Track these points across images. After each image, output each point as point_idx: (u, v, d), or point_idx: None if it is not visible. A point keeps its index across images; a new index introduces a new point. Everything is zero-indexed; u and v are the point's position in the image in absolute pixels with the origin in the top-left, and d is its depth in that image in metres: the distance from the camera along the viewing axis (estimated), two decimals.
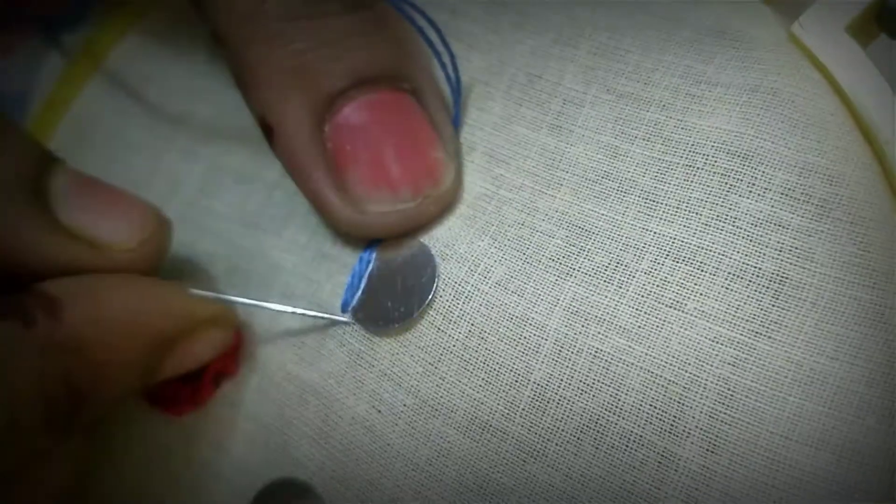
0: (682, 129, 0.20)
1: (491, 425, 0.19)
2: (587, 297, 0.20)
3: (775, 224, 0.18)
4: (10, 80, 0.32)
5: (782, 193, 0.19)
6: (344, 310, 0.22)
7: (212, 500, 0.22)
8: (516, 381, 0.20)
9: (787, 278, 0.18)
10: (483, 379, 0.20)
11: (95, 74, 0.32)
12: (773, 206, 0.19)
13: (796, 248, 0.18)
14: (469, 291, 0.21)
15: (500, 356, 0.20)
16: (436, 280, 0.21)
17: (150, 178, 0.29)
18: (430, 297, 0.21)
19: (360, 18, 0.21)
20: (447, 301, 0.21)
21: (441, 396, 0.20)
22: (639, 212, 0.20)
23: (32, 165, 0.20)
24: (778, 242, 0.18)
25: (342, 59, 0.20)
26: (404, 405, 0.20)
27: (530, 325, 0.20)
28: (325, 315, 0.22)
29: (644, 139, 0.21)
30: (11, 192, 0.19)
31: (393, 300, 0.21)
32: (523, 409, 0.19)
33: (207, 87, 0.29)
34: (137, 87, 0.31)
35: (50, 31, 0.32)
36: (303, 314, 0.22)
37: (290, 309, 0.22)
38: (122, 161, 0.30)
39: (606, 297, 0.20)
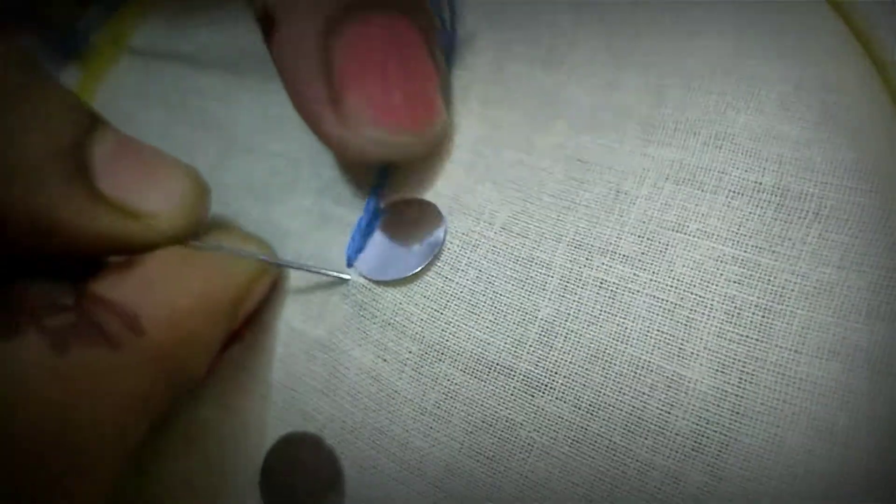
0: (677, 53, 0.20)
1: (498, 364, 0.19)
2: (589, 230, 0.19)
3: (774, 137, 0.18)
4: None
5: (779, 106, 0.18)
6: (349, 265, 0.21)
7: (224, 459, 0.22)
8: (523, 320, 0.19)
9: (788, 190, 0.18)
10: (490, 321, 0.20)
11: (115, 61, 0.32)
12: (770, 120, 0.18)
13: (796, 160, 0.18)
14: (476, 240, 0.21)
15: (508, 297, 0.20)
16: (444, 236, 0.21)
17: None
18: (438, 250, 0.21)
19: None
20: (454, 251, 0.21)
21: (447, 340, 0.20)
22: (636, 138, 0.20)
23: (75, 132, 0.19)
24: (777, 155, 0.18)
25: None
26: (409, 352, 0.20)
27: (536, 264, 0.20)
28: (328, 271, 0.22)
29: (638, 67, 0.20)
30: (53, 165, 0.18)
31: (399, 256, 0.21)
32: (530, 346, 0.19)
33: (218, 65, 0.29)
34: (153, 69, 0.31)
35: (73, 37, 0.32)
36: (306, 269, 0.22)
37: (292, 265, 0.22)
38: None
39: (608, 227, 0.19)
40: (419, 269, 0.20)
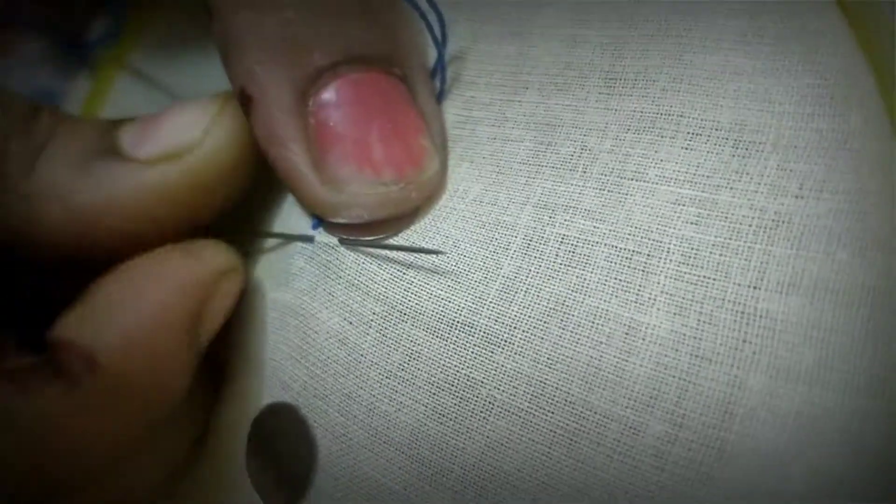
0: (636, 2, 0.19)
1: (458, 321, 0.19)
2: (554, 189, 0.19)
3: (731, 72, 0.17)
4: (12, 81, 0.34)
5: (735, 40, 0.17)
6: (314, 227, 0.22)
7: (221, 429, 0.23)
8: (485, 278, 0.19)
9: (745, 125, 0.17)
10: (452, 280, 0.19)
11: (119, 76, 0.34)
12: (727, 55, 0.18)
13: (753, 92, 0.17)
14: (446, 213, 0.20)
15: (470, 258, 0.19)
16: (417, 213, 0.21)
17: None
18: (409, 224, 0.21)
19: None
20: (425, 223, 0.21)
21: (409, 300, 0.20)
22: (599, 93, 0.19)
23: (101, 132, 0.20)
24: (734, 90, 0.17)
25: (334, 35, 0.19)
26: (373, 313, 0.20)
27: (501, 226, 0.19)
28: (292, 235, 0.22)
29: (600, 20, 0.20)
30: (87, 157, 0.20)
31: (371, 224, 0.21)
32: (490, 302, 0.19)
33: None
34: (157, 77, 0.32)
35: (82, 47, 0.34)
36: (270, 236, 0.22)
37: (259, 234, 0.22)
38: None
39: (572, 184, 0.19)
40: (388, 235, 0.20)
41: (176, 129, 0.20)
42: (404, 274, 0.20)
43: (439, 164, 0.20)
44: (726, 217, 0.16)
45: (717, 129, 0.17)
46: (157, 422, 0.20)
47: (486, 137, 0.21)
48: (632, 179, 0.18)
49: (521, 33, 0.21)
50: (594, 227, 0.18)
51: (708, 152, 0.17)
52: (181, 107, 0.21)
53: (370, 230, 0.21)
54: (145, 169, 0.20)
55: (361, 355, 0.20)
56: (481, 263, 0.19)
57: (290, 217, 0.23)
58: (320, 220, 0.21)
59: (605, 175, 0.18)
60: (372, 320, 0.20)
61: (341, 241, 0.21)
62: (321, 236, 0.21)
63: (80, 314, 0.19)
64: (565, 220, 0.18)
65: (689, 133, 0.18)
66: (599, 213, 0.18)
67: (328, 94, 0.19)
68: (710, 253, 0.16)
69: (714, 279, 0.16)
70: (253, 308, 0.23)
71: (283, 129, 0.20)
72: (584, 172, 0.19)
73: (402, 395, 0.19)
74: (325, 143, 0.19)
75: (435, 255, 0.20)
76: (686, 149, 0.17)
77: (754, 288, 0.16)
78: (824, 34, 0.17)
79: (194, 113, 0.20)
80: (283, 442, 0.21)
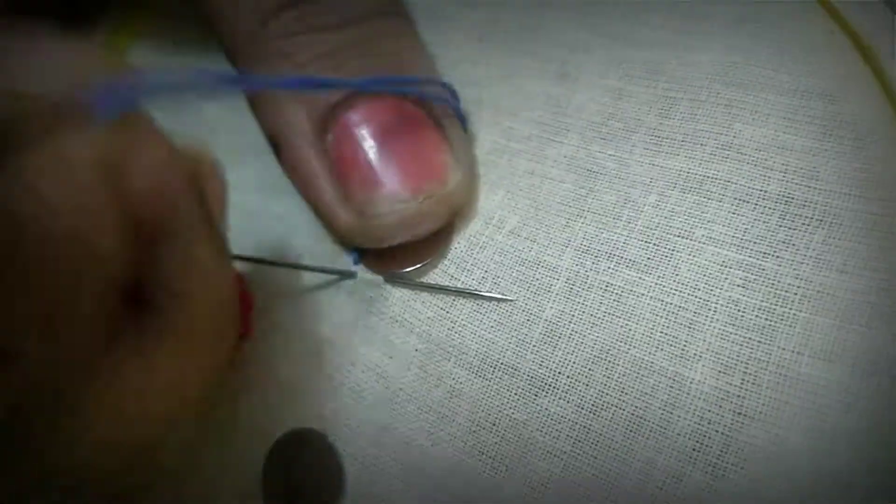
0: (683, 65, 0.20)
1: (502, 363, 0.19)
2: (597, 235, 0.20)
3: (779, 147, 0.19)
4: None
5: (785, 117, 0.19)
6: (356, 263, 0.22)
7: (229, 455, 0.22)
8: (528, 320, 0.20)
9: (792, 198, 0.18)
10: (495, 320, 0.20)
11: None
12: (776, 131, 0.19)
13: (801, 169, 0.18)
14: (483, 242, 0.21)
15: (514, 299, 0.20)
16: (451, 229, 0.21)
17: None
18: (444, 245, 0.21)
19: (357, 32, 0.21)
20: (461, 251, 0.21)
21: (452, 339, 0.20)
22: (645, 149, 0.20)
23: None
24: (783, 164, 0.18)
25: (342, 69, 0.20)
26: (416, 350, 0.20)
27: (542, 266, 0.20)
28: (333, 268, 0.22)
29: (646, 79, 0.21)
30: None
31: (406, 248, 0.21)
32: (534, 346, 0.19)
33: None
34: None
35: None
36: (312, 269, 0.22)
37: (299, 266, 0.22)
38: None
39: (616, 233, 0.20)
40: (427, 261, 0.21)
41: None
42: (448, 313, 0.20)
43: (462, 177, 0.21)
44: (773, 284, 0.18)
45: (764, 199, 0.18)
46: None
47: (524, 171, 0.22)
48: (678, 236, 0.19)
49: (565, 75, 0.22)
50: (640, 278, 0.19)
51: (755, 219, 0.18)
52: None
53: (405, 259, 0.21)
54: None
55: (400, 389, 0.20)
56: (523, 304, 0.20)
57: (333, 255, 0.23)
58: (360, 255, 0.22)
59: (651, 229, 0.19)
60: (414, 357, 0.20)
61: (387, 280, 0.21)
62: (364, 273, 0.22)
63: None
64: (609, 269, 0.19)
65: (736, 199, 0.19)
66: (645, 265, 0.19)
67: (342, 127, 0.20)
68: (756, 316, 0.17)
69: (759, 342, 0.17)
70: (277, 328, 0.23)
71: (307, 168, 0.21)
72: (629, 223, 0.20)
73: (441, 430, 0.20)
74: (344, 172, 0.20)
75: (481, 290, 0.20)
76: (733, 213, 0.18)
77: (798, 353, 0.17)
78: (872, 122, 0.18)
79: None
80: (307, 468, 0.21)
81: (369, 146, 0.20)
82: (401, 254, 0.21)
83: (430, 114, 0.21)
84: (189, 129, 0.29)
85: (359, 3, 0.21)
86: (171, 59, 0.32)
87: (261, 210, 0.26)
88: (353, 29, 0.20)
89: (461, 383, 0.20)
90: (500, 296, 0.20)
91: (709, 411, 0.17)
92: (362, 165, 0.20)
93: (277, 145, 0.21)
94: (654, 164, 0.20)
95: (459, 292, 0.21)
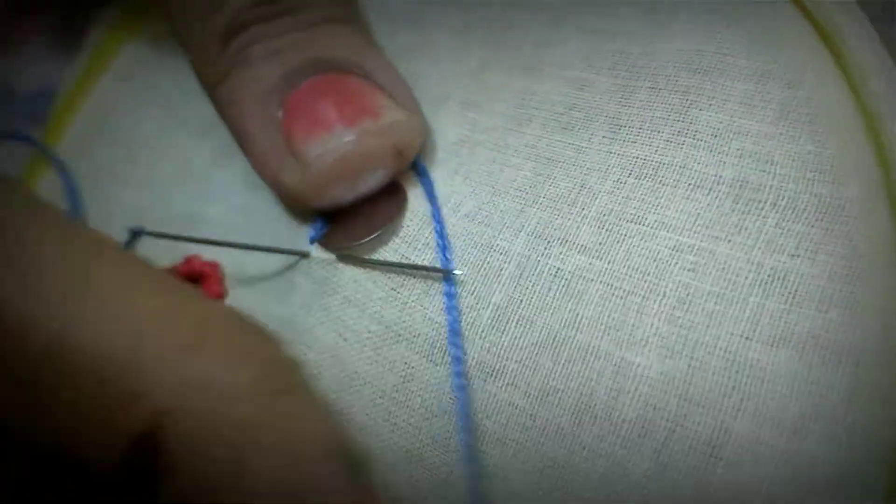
0: (647, 55, 0.20)
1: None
2: (550, 221, 0.19)
3: (734, 132, 0.18)
4: (21, 80, 0.34)
5: (741, 102, 0.18)
6: (311, 242, 0.22)
7: None
8: (476, 304, 0.19)
9: (746, 183, 0.18)
10: (444, 302, 0.20)
11: (110, 67, 0.33)
12: (732, 116, 0.18)
13: (756, 153, 0.18)
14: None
15: (462, 280, 0.20)
16: (403, 205, 0.21)
17: (162, 157, 0.30)
18: (395, 219, 0.21)
19: (311, 31, 0.22)
20: (413, 230, 0.21)
21: (404, 321, 0.20)
22: (603, 137, 0.20)
23: None
24: (738, 149, 0.18)
25: (291, 54, 0.21)
26: (369, 331, 0.20)
27: (494, 250, 0.20)
28: (287, 249, 0.22)
29: (610, 69, 0.21)
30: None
31: (357, 223, 0.21)
32: (482, 331, 0.19)
33: None
34: (150, 76, 0.32)
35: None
36: (266, 250, 0.22)
37: (251, 246, 0.22)
38: (136, 143, 0.31)
39: (569, 219, 0.19)
40: (375, 234, 0.21)
41: None
42: (398, 293, 0.20)
43: (402, 116, 0.21)
44: (723, 268, 0.17)
45: (718, 184, 0.18)
46: None
47: (485, 159, 0.21)
48: (631, 222, 0.19)
49: (531, 68, 0.22)
50: (590, 263, 0.18)
51: (708, 204, 0.18)
52: None
53: (356, 232, 0.21)
54: None
55: (356, 372, 0.20)
56: (472, 287, 0.19)
57: (298, 229, 0.23)
58: (318, 235, 0.22)
59: (605, 215, 0.19)
60: (367, 339, 0.20)
61: (339, 258, 0.21)
62: (317, 252, 0.22)
63: None
64: (560, 254, 0.19)
65: (690, 184, 0.18)
66: (596, 250, 0.19)
67: (295, 94, 0.21)
68: (706, 301, 0.17)
69: (707, 326, 0.17)
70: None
71: (259, 145, 0.21)
72: (583, 209, 0.19)
73: (397, 416, 0.19)
74: (288, 130, 0.21)
75: (425, 273, 0.20)
76: (687, 199, 0.18)
77: (746, 338, 0.16)
78: (828, 104, 0.18)
79: None
80: None
81: (309, 104, 0.21)
82: (352, 228, 0.21)
83: (375, 81, 0.22)
84: (184, 125, 0.29)
85: (309, 11, 0.22)
86: (167, 57, 0.32)
87: (242, 205, 0.26)
88: (304, 32, 0.22)
89: (413, 368, 0.19)
90: (444, 269, 0.20)
91: (654, 397, 0.17)
92: (301, 119, 0.20)
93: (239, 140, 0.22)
94: (611, 152, 0.20)
95: (404, 267, 0.20)
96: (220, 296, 0.23)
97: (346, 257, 0.21)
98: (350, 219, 0.21)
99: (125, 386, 0.13)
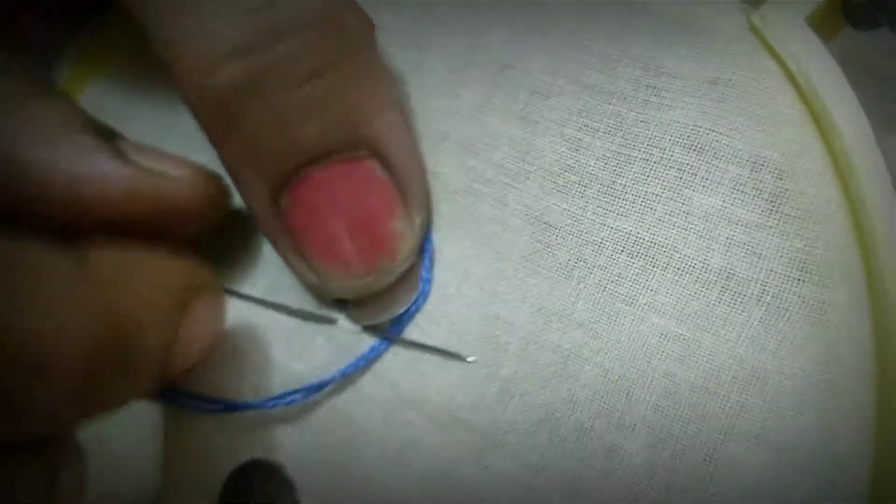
0: (642, 122, 0.20)
1: (459, 417, 0.20)
2: (550, 294, 0.20)
3: (725, 219, 0.19)
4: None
5: (734, 188, 0.19)
6: (339, 308, 0.23)
7: (185, 484, 0.24)
8: (486, 377, 0.20)
9: (733, 274, 0.18)
10: (458, 375, 0.21)
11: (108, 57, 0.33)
12: (724, 201, 0.19)
13: (744, 244, 0.18)
14: (451, 293, 0.22)
15: (475, 354, 0.21)
16: (427, 285, 0.22)
17: None
18: (420, 299, 0.22)
19: (311, 90, 0.19)
20: (431, 303, 0.22)
21: (417, 390, 0.21)
22: (598, 206, 0.20)
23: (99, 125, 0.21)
24: (727, 238, 0.18)
25: (289, 139, 0.20)
26: (383, 398, 0.21)
27: (501, 322, 0.21)
28: (316, 314, 0.23)
29: (605, 132, 0.21)
30: (80, 126, 0.20)
31: (384, 296, 0.22)
32: (488, 403, 0.20)
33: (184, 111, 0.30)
34: (117, 118, 0.32)
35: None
36: (298, 315, 0.23)
37: (283, 308, 0.23)
38: None
39: (567, 292, 0.20)
40: (403, 309, 0.22)
41: (170, 163, 0.21)
42: (416, 365, 0.21)
43: (413, 240, 0.22)
44: (708, 361, 0.18)
45: (706, 272, 0.18)
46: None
47: (488, 217, 0.22)
48: (623, 302, 0.19)
49: (527, 118, 0.22)
50: (586, 342, 0.19)
51: (696, 292, 0.18)
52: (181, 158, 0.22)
53: (383, 304, 0.22)
54: (131, 166, 0.20)
55: (363, 432, 0.21)
56: (484, 361, 0.20)
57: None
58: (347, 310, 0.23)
59: (599, 292, 0.20)
60: (381, 404, 0.21)
61: (364, 329, 0.22)
62: (343, 321, 0.22)
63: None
64: (559, 328, 0.20)
65: (679, 269, 0.19)
66: (591, 328, 0.19)
67: (294, 199, 0.20)
68: (690, 392, 0.18)
69: (690, 418, 0.18)
70: (244, 360, 0.24)
71: (269, 229, 0.21)
72: (579, 283, 0.20)
73: (397, 476, 0.21)
74: (300, 243, 0.21)
75: (443, 346, 0.21)
76: (675, 283, 0.19)
77: (726, 434, 0.17)
78: (819, 201, 0.18)
79: (192, 164, 0.22)
80: (263, 500, 0.22)
81: (321, 222, 0.20)
82: (380, 301, 0.22)
83: (389, 167, 0.21)
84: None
85: (311, 52, 0.20)
86: (130, 93, 0.32)
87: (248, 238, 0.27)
88: (307, 87, 0.19)
89: (420, 433, 0.21)
90: (465, 358, 0.21)
91: (639, 483, 0.18)
92: (316, 241, 0.21)
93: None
94: (604, 224, 0.20)
95: (427, 350, 0.21)
96: None
97: (371, 330, 0.22)
98: (374, 297, 0.22)
99: None
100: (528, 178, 0.22)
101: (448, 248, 0.22)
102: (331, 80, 0.20)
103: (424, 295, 0.22)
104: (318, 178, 0.20)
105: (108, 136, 0.20)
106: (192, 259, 0.21)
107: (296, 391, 0.22)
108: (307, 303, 0.24)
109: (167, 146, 0.29)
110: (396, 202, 0.21)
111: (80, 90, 0.32)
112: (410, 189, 0.21)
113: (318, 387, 0.22)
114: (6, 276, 0.14)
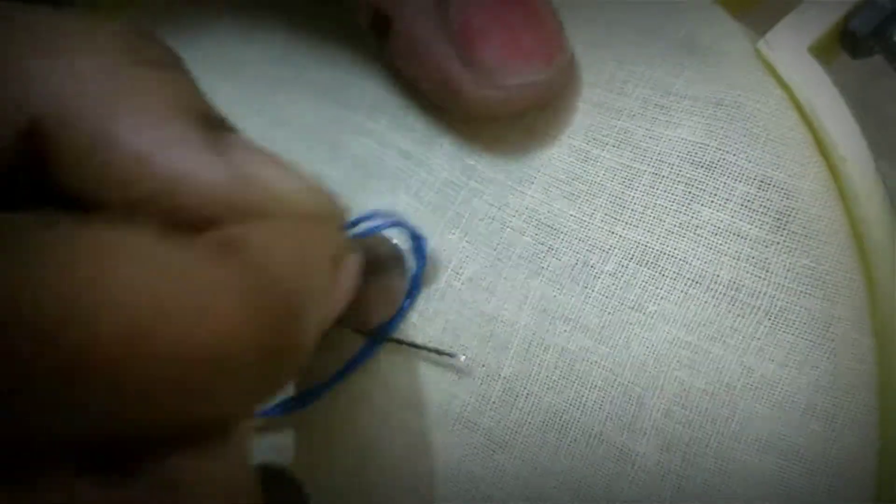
0: (651, 138, 0.21)
1: (463, 418, 0.20)
2: (555, 296, 0.21)
3: (734, 234, 0.19)
4: None
5: (742, 205, 0.20)
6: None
7: None
8: (487, 377, 0.21)
9: (742, 286, 0.19)
10: (456, 374, 0.21)
11: None
12: (732, 217, 0.20)
13: (753, 258, 0.19)
14: (443, 289, 0.22)
15: (473, 352, 0.21)
16: (409, 280, 0.22)
17: None
18: (408, 300, 0.22)
19: None
20: (421, 299, 0.22)
21: (415, 390, 0.21)
22: (606, 214, 0.21)
23: (208, 109, 0.18)
24: (736, 252, 0.19)
25: None
26: (380, 399, 0.21)
27: (501, 322, 0.21)
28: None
29: (614, 146, 0.21)
30: (185, 111, 0.17)
31: (376, 300, 0.22)
32: (493, 403, 0.20)
33: (232, 65, 0.29)
34: None
35: None
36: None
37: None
38: None
39: (573, 296, 0.21)
40: (397, 313, 0.22)
41: (271, 169, 0.18)
42: (410, 363, 0.21)
43: (570, 52, 0.21)
44: (717, 369, 0.19)
45: (716, 283, 0.19)
46: None
47: (484, 214, 0.22)
48: (632, 309, 0.20)
49: (534, 129, 0.22)
50: (594, 346, 0.20)
51: (706, 302, 0.19)
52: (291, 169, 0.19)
53: (377, 308, 0.22)
54: (225, 165, 0.17)
55: (367, 437, 0.21)
56: (482, 360, 0.21)
57: None
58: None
59: (607, 297, 0.20)
60: (379, 406, 0.21)
61: (354, 329, 0.22)
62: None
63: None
64: (565, 332, 0.20)
65: (689, 279, 0.20)
66: (599, 334, 0.20)
67: None
68: (700, 399, 0.19)
69: (701, 424, 0.19)
70: None
71: (429, 34, 0.21)
72: (586, 288, 0.20)
73: (403, 480, 0.21)
74: (473, 40, 0.20)
75: (437, 343, 0.21)
76: (685, 294, 0.20)
77: (736, 440, 0.18)
78: (823, 221, 0.19)
79: (299, 175, 0.18)
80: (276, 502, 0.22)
81: (497, 13, 0.20)
82: (373, 305, 0.22)
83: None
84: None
85: None
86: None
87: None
88: None
89: (422, 435, 0.21)
90: (459, 362, 0.21)
91: (651, 485, 0.19)
92: (493, 34, 0.20)
93: (387, 20, 0.21)
94: (612, 232, 0.21)
95: (416, 347, 0.21)
96: None
97: (361, 331, 0.22)
98: (368, 296, 0.22)
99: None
100: (533, 183, 0.22)
101: (435, 237, 0.22)
102: None
103: (416, 290, 0.22)
104: None
105: (215, 127, 0.18)
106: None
107: (290, 398, 0.22)
108: None
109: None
110: (553, 9, 0.21)
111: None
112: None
113: (314, 393, 0.22)
114: (156, 282, 0.12)
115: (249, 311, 0.13)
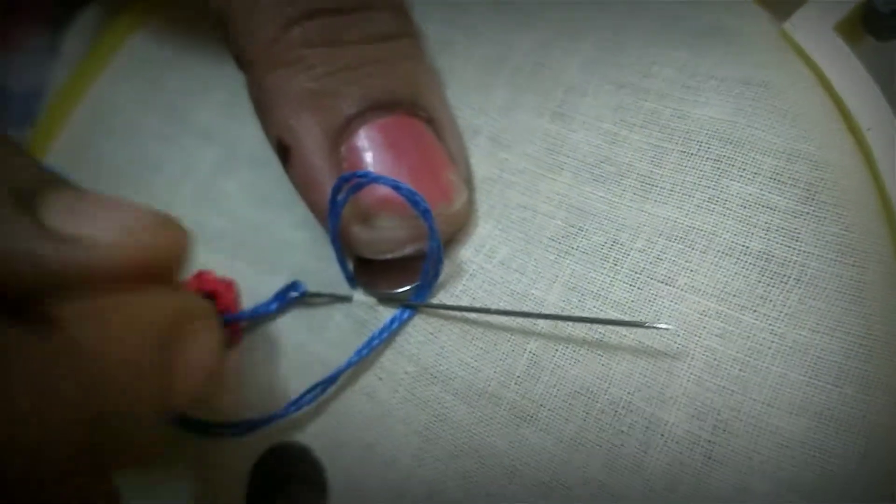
0: (679, 117, 0.21)
1: (487, 392, 0.20)
2: (584, 274, 0.21)
3: (763, 206, 0.19)
4: (18, 78, 0.33)
5: (771, 178, 0.20)
6: (351, 285, 0.22)
7: (213, 469, 0.23)
8: (513, 351, 0.20)
9: (773, 256, 0.19)
10: (481, 348, 0.21)
11: (112, 61, 0.33)
12: (761, 190, 0.20)
13: (783, 229, 0.19)
14: (474, 270, 0.22)
15: (499, 328, 0.21)
16: (441, 252, 0.22)
17: (163, 162, 0.30)
18: (438, 268, 0.22)
19: (379, 48, 0.22)
20: (450, 277, 0.22)
21: (440, 364, 0.21)
22: (635, 194, 0.21)
23: (25, 178, 0.17)
24: (766, 223, 0.19)
25: (359, 84, 0.21)
26: (405, 372, 0.21)
27: (530, 299, 0.21)
28: (330, 293, 0.23)
29: (642, 126, 0.22)
30: (3, 192, 0.16)
31: (397, 267, 0.22)
32: (518, 377, 0.20)
33: (222, 76, 0.30)
34: (154, 74, 0.32)
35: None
36: (312, 295, 0.23)
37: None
38: (136, 145, 0.31)
39: (602, 273, 0.20)
40: (416, 284, 0.22)
41: (96, 222, 0.17)
42: (436, 337, 0.21)
43: (466, 197, 0.22)
44: (748, 337, 0.19)
45: (745, 254, 0.19)
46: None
47: (516, 203, 0.22)
48: (662, 282, 0.20)
49: (562, 114, 0.23)
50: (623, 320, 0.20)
51: (736, 273, 0.19)
52: (122, 206, 0.18)
53: (397, 280, 0.22)
54: (48, 239, 0.16)
55: (388, 410, 0.21)
56: (509, 335, 0.21)
57: (332, 263, 0.23)
58: (353, 275, 0.22)
59: (636, 273, 0.20)
60: (402, 379, 0.21)
61: (380, 301, 0.22)
62: (359, 296, 0.22)
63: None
64: (594, 307, 0.20)
65: (719, 251, 0.20)
66: (629, 308, 0.20)
67: (356, 141, 0.21)
68: (731, 366, 0.18)
69: (733, 391, 0.18)
70: (268, 338, 0.24)
71: (319, 175, 0.21)
72: (615, 265, 0.20)
73: (425, 452, 0.20)
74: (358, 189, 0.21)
75: (463, 319, 0.21)
76: (715, 265, 0.19)
77: (769, 406, 0.18)
78: (852, 192, 0.19)
79: (132, 216, 0.17)
80: (291, 483, 0.22)
81: (381, 160, 0.21)
82: (393, 274, 0.22)
83: (441, 136, 0.22)
84: (182, 135, 0.30)
85: (379, 21, 0.22)
86: (174, 54, 0.32)
87: (252, 221, 0.26)
88: (376, 45, 0.22)
89: (447, 408, 0.21)
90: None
91: (680, 454, 0.18)
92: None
93: (287, 149, 0.22)
94: (642, 210, 0.21)
95: (452, 309, 0.21)
96: (236, 311, 0.23)
97: (388, 301, 0.22)
98: (390, 264, 0.22)
99: None
100: (563, 169, 0.22)
101: (470, 227, 0.23)
102: (401, 45, 0.22)
103: (437, 264, 0.22)
104: (381, 123, 0.21)
105: (33, 193, 0.17)
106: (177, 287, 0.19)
107: (315, 386, 0.22)
108: (321, 286, 0.24)
109: (197, 114, 0.29)
110: (449, 160, 0.22)
111: (116, 48, 0.32)
112: (458, 163, 0.22)
113: (335, 375, 0.22)
114: None
115: (64, 403, 0.14)
